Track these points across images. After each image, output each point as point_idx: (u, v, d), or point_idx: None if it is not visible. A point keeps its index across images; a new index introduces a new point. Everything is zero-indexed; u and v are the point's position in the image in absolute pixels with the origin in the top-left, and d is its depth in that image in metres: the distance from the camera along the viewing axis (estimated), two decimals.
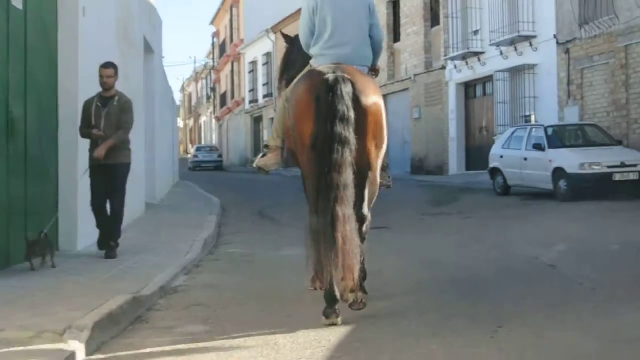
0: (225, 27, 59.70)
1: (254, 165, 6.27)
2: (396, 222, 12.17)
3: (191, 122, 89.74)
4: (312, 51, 5.73)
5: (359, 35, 5.67)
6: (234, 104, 55.56)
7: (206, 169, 45.33)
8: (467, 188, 20.48)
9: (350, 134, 4.96)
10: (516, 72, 22.98)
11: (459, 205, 15.48)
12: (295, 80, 5.76)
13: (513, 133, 17.90)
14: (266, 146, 6.19)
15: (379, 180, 5.74)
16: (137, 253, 8.28)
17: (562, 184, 15.10)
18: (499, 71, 23.39)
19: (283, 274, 7.35)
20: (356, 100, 5.09)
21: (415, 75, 29.08)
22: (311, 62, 5.79)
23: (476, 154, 25.27)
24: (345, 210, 4.84)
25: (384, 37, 7.31)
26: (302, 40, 5.88)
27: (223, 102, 60.75)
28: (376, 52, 5.92)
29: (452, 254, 8.53)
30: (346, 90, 5.04)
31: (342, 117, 4.95)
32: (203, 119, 78.51)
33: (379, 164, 5.56)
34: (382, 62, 31.98)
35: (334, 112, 4.96)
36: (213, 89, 67.55)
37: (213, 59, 67.08)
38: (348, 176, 4.90)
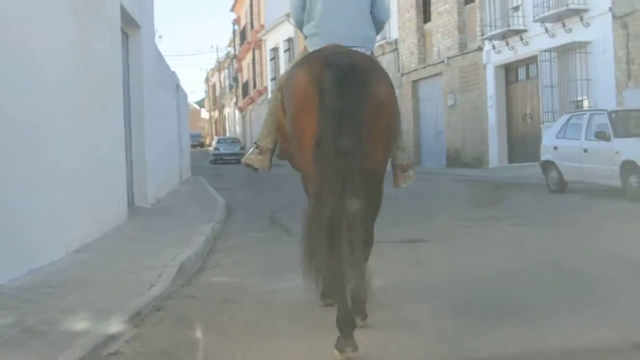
0: (245, 13, 57.62)
1: (243, 161, 5.51)
2: (435, 232, 9.77)
3: (216, 114, 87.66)
4: (306, 30, 5.11)
5: (358, 10, 5.03)
6: (256, 93, 53.41)
7: (228, 161, 43.00)
8: (513, 184, 17.94)
9: (361, 134, 4.21)
10: (565, 51, 20.39)
11: (507, 207, 12.96)
12: (290, 67, 5.03)
13: (568, 120, 15.30)
14: (256, 144, 5.32)
15: (382, 189, 4.87)
16: (77, 288, 5.92)
17: (634, 180, 12.55)
18: (545, 51, 20.84)
19: (277, 328, 4.97)
20: (364, 92, 4.31)
21: (448, 58, 26.52)
22: (305, 43, 5.16)
23: (519, 144, 22.71)
24: (357, 215, 4.11)
25: (389, 16, 6.17)
26: (293, 17, 5.31)
27: (245, 92, 58.59)
28: (377, 33, 5.23)
29: (516, 287, 6.05)
30: (353, 79, 4.27)
31: (351, 113, 4.20)
32: (227, 110, 76.36)
33: (384, 169, 4.77)
34: (412, 44, 29.47)
35: (341, 107, 4.19)
36: (235, 79, 65.43)
37: (234, 47, 64.97)
38: (358, 181, 4.15)
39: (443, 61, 26.84)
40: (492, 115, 23.77)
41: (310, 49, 4.94)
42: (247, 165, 5.35)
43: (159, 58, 15.93)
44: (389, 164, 4.97)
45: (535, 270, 6.79)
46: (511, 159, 23.26)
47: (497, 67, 23.88)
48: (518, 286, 6.08)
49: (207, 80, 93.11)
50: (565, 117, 15.89)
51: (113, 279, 6.40)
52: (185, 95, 24.53)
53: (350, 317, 4.21)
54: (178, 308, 5.73)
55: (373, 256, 4.83)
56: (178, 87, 20.82)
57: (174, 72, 19.83)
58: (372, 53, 5.07)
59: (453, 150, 26.37)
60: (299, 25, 5.24)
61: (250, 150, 5.41)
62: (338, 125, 4.15)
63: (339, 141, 4.13)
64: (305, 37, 5.15)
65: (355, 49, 4.72)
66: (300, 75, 4.56)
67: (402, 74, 30.33)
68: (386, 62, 31.88)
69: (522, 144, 22.56)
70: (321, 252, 4.16)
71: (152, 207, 12.98)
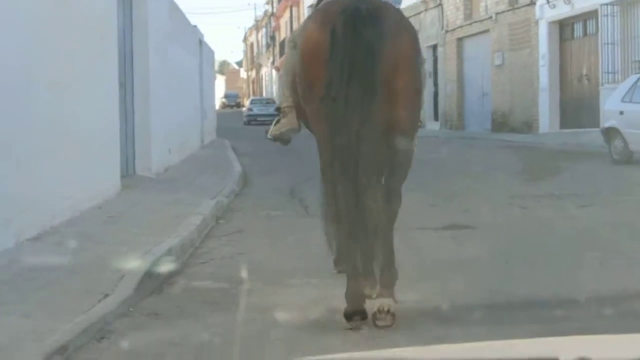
0: None
1: (268, 135, 5.07)
2: (482, 216, 8.03)
3: (253, 74, 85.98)
4: None
5: None
6: None
7: (263, 122, 41.34)
8: (569, 152, 16.03)
9: (376, 84, 3.86)
10: (629, 4, 18.22)
11: (567, 181, 11.09)
12: (305, 18, 4.92)
13: (637, 82, 13.32)
14: (278, 109, 4.97)
15: (414, 147, 4.55)
16: None
17: None
18: (606, 4, 18.65)
19: None
20: (384, 42, 3.93)
21: (496, 13, 24.36)
22: None
23: (574, 107, 20.64)
24: (371, 181, 3.96)
25: None
26: None
27: (282, 51, 56.74)
28: None
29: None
30: (372, 27, 3.91)
31: (365, 62, 3.85)
32: (264, 69, 74.57)
33: (414, 127, 4.40)
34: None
35: (354, 54, 3.86)
36: (272, 37, 63.60)
37: (272, 4, 63.05)
38: (372, 140, 3.89)
39: (491, 17, 24.70)
40: (544, 76, 21.67)
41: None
42: (275, 139, 4.97)
43: (174, 9, 14.21)
44: None
45: None
46: (564, 124, 21.22)
47: (551, 23, 21.69)
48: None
49: (245, 39, 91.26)
50: (634, 78, 13.89)
51: (51, 285, 4.78)
52: (211, 52, 22.79)
53: (359, 289, 4.01)
54: (128, 333, 4.12)
55: (406, 254, 4.54)
56: (201, 43, 19.10)
57: (194, 27, 18.05)
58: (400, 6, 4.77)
59: (499, 113, 24.37)
60: None
61: (274, 121, 5.01)
62: (349, 73, 3.85)
63: (349, 90, 3.83)
64: None
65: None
66: (312, 25, 4.29)
67: (446, 32, 28.25)
68: (429, 18, 29.81)
69: (576, 107, 20.51)
70: (341, 230, 4.04)
71: (157, 177, 11.39)
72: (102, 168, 8.58)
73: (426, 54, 30.61)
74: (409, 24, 4.51)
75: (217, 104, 58.88)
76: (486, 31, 25.35)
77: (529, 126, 22.37)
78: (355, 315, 3.97)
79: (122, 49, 10.16)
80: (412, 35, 4.34)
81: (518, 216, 8.19)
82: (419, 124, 4.66)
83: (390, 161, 4.24)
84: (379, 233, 4.07)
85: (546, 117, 21.56)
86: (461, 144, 20.20)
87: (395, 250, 4.36)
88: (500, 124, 24.13)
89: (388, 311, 3.97)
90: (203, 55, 19.32)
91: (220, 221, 8.22)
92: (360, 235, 4.00)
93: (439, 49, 29.02)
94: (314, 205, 7.84)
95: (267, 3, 68.16)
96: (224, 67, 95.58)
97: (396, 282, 4.24)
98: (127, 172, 10.66)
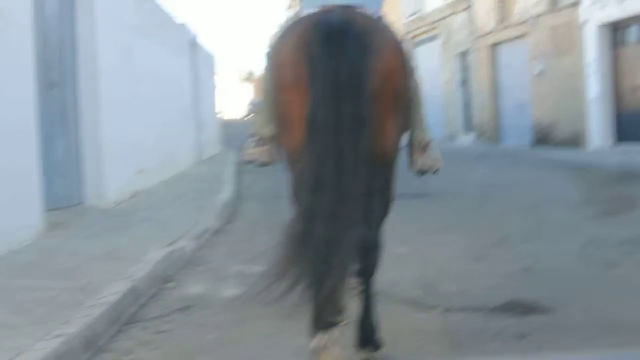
0: None
1: (241, 157, 4.33)
2: (555, 281, 5.38)
3: None
4: None
5: None
6: None
7: None
8: (633, 173, 13.22)
9: (366, 109, 3.31)
10: None
11: None
12: (278, 31, 3.98)
13: None
14: (254, 134, 4.09)
15: (394, 179, 3.86)
16: None
17: None
18: None
19: None
20: (365, 52, 3.39)
21: (536, 16, 21.61)
22: (299, 9, 4.20)
23: (631, 121, 17.79)
24: (355, 224, 3.26)
25: None
26: None
27: None
28: None
29: None
30: (350, 38, 3.38)
31: (350, 78, 3.30)
32: None
33: (396, 155, 3.81)
34: (489, 0, 24.66)
35: (337, 70, 3.29)
36: None
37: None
38: (359, 171, 3.28)
39: (529, 20, 21.99)
40: (593, 86, 18.79)
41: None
42: (248, 162, 4.14)
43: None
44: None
45: None
46: (619, 138, 18.39)
47: (601, 26, 18.83)
48: None
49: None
50: None
51: None
52: (210, 57, 20.14)
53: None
54: None
55: None
56: (195, 44, 16.46)
57: (182, 25, 15.36)
58: (380, 16, 4.06)
59: (541, 126, 21.53)
60: None
61: (248, 142, 4.13)
62: (335, 94, 3.27)
63: (337, 114, 3.24)
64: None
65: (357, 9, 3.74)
66: (286, 41, 3.68)
67: (477, 37, 25.53)
68: (458, 23, 27.12)
69: (632, 120, 17.69)
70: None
71: (115, 206, 8.78)
72: (8, 203, 5.99)
73: (455, 61, 27.96)
74: (391, 32, 3.88)
75: (242, 113, 56.82)
76: (523, 36, 22.62)
77: (576, 141, 19.55)
78: None
79: (55, 39, 7.61)
80: (397, 44, 3.80)
81: (607, 280, 5.47)
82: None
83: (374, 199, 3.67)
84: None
85: (597, 130, 18.70)
86: (500, 162, 17.40)
87: None
88: (542, 137, 21.32)
89: None
90: (197, 58, 16.68)
91: (168, 284, 5.59)
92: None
93: (470, 56, 26.31)
94: None
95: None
96: (251, 77, 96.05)
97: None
98: (68, 202, 8.11)
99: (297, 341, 3.71)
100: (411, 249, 6.67)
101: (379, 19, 3.99)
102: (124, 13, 9.77)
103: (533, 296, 4.93)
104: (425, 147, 4.11)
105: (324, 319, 3.39)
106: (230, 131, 24.09)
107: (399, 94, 3.66)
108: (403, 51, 3.81)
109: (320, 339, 3.41)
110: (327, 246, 3.20)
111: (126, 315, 4.64)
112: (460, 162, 17.25)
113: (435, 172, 4.19)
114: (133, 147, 9.95)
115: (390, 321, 4.24)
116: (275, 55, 3.75)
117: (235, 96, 63.02)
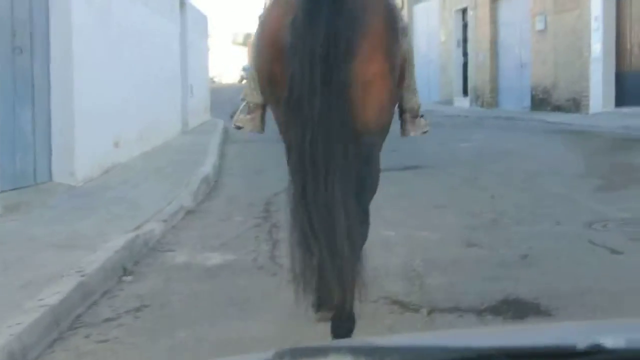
0: None
1: (233, 122, 4.19)
2: (554, 273, 4.88)
3: None
4: None
5: None
6: None
7: None
8: (637, 139, 12.67)
9: (347, 75, 3.23)
10: None
11: None
12: (267, 5, 3.86)
13: None
14: (244, 99, 4.06)
15: (378, 156, 3.78)
16: None
17: None
18: None
19: None
20: (352, 29, 3.29)
21: None
22: None
23: (633, 81, 17.15)
24: (346, 190, 3.25)
25: None
26: None
27: None
28: None
29: None
30: (340, 7, 3.26)
31: (333, 49, 3.21)
32: None
33: (384, 129, 3.73)
34: None
35: (318, 41, 3.20)
36: None
37: None
38: (344, 142, 3.23)
39: None
40: (598, 43, 18.04)
41: None
42: (238, 127, 4.08)
43: None
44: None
45: None
46: (619, 102, 17.75)
47: None
48: None
49: None
50: None
51: None
52: (202, 18, 19.43)
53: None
54: None
55: None
56: (183, 4, 15.75)
57: None
58: None
59: (541, 88, 20.88)
60: None
61: (240, 107, 4.10)
62: (311, 67, 3.19)
63: (313, 87, 3.16)
64: None
65: None
66: (273, 8, 3.63)
67: None
68: None
69: (636, 81, 17.04)
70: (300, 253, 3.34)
71: (85, 184, 8.24)
72: None
73: (454, 19, 27.14)
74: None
75: (236, 78, 55.75)
76: None
77: (577, 104, 18.93)
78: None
79: None
80: (386, 12, 3.55)
81: (612, 271, 4.95)
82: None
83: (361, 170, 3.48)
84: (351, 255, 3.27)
85: (599, 92, 18.05)
86: (496, 127, 16.79)
87: None
88: (542, 101, 20.68)
89: None
90: (187, 20, 15.98)
91: (126, 278, 5.07)
92: (331, 258, 3.22)
93: (469, 13, 25.50)
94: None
95: None
96: (247, 40, 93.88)
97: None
98: (35, 179, 7.59)
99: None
100: (397, 232, 6.17)
101: None
102: None
103: (530, 293, 4.42)
104: (417, 113, 4.11)
105: (328, 301, 3.46)
106: (224, 97, 23.42)
107: (389, 59, 3.55)
108: (394, 14, 3.68)
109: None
110: (323, 222, 3.20)
111: (70, 319, 4.13)
112: (456, 127, 16.69)
113: (424, 133, 4.22)
114: (110, 116, 9.38)
115: (366, 324, 3.75)
116: (263, 21, 3.71)
117: (232, 60, 61.97)
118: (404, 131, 4.15)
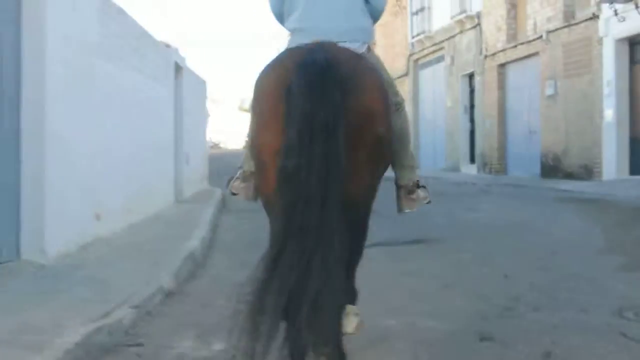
0: None
1: (228, 189, 4.32)
2: None
3: None
4: (287, 25, 4.15)
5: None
6: None
7: None
8: None
9: (339, 152, 3.22)
10: None
11: None
12: (263, 67, 3.83)
13: None
14: (241, 167, 4.20)
15: (367, 227, 3.77)
16: None
17: None
18: None
19: None
20: (346, 98, 3.28)
21: (548, 32, 20.42)
22: (288, 41, 4.12)
23: None
24: (334, 267, 3.12)
25: (386, 4, 4.10)
26: (271, 9, 4.31)
27: None
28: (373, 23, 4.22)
29: None
30: (330, 79, 3.26)
31: (327, 125, 3.21)
32: None
33: (371, 200, 3.73)
34: (499, 17, 23.49)
35: (313, 116, 3.20)
36: None
37: None
38: (334, 215, 3.16)
39: (541, 37, 20.76)
40: (611, 108, 17.44)
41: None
42: (233, 194, 4.24)
43: (119, 11, 10.33)
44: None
45: None
46: (634, 169, 17.05)
47: (619, 41, 17.52)
48: None
49: None
50: None
51: None
52: (201, 83, 18.91)
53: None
54: None
55: None
56: (180, 69, 15.19)
57: (164, 47, 13.99)
58: (369, 48, 4.03)
59: (551, 155, 20.20)
60: (279, 19, 4.27)
61: (237, 174, 4.22)
62: (309, 141, 3.19)
63: (309, 161, 3.15)
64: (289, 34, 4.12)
65: (342, 44, 3.74)
66: (267, 78, 3.62)
67: (486, 57, 24.30)
68: (465, 42, 25.92)
69: None
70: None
71: (57, 262, 7.47)
72: None
73: (461, 84, 26.69)
74: (376, 73, 3.68)
75: (241, 144, 55.48)
76: (535, 54, 21.43)
77: (589, 171, 18.22)
78: None
79: None
80: (380, 86, 3.59)
81: None
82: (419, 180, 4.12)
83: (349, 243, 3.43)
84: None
85: (612, 159, 17.36)
86: (506, 195, 16.04)
87: None
88: (552, 167, 20.00)
89: None
90: (183, 85, 15.40)
91: None
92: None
93: (476, 78, 25.06)
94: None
95: None
96: None
97: None
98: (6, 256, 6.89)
99: None
100: (399, 321, 5.40)
101: (368, 51, 3.96)
102: (83, 28, 8.54)
103: None
104: (412, 189, 4.08)
105: None
106: (227, 162, 22.78)
107: (380, 137, 3.53)
108: (386, 91, 3.66)
109: None
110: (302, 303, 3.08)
111: None
112: (463, 196, 15.98)
113: (426, 203, 4.20)
114: (90, 187, 8.68)
115: None
116: (256, 93, 3.67)
117: (238, 125, 61.87)
118: (399, 207, 4.15)
